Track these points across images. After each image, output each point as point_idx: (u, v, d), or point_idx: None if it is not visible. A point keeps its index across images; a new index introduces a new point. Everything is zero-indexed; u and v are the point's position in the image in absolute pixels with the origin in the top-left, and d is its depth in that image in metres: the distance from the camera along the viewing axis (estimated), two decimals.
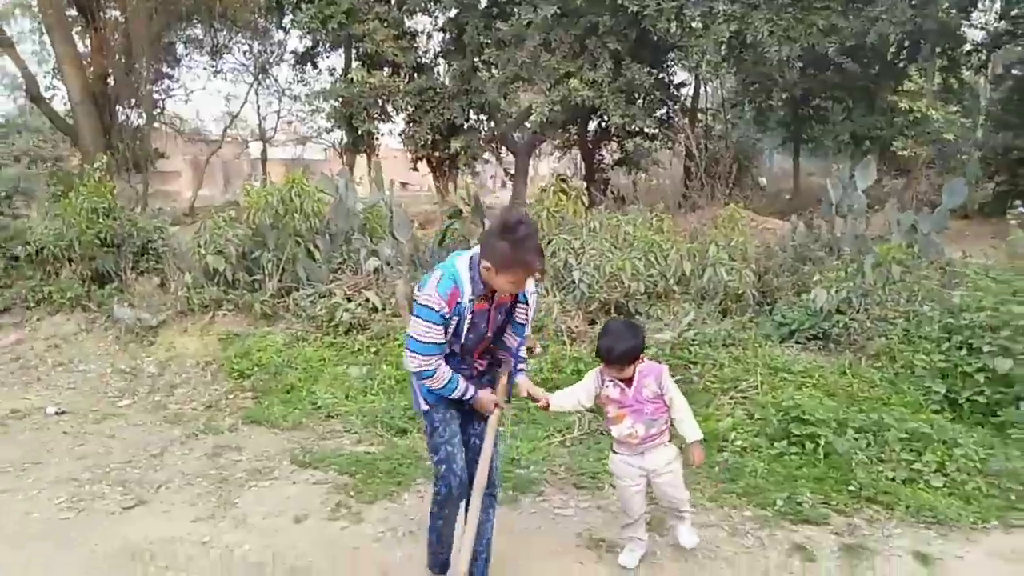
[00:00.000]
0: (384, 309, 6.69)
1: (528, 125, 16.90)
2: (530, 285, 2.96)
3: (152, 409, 5.88)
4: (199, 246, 7.22)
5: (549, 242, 7.43)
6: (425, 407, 3.02)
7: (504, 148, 18.14)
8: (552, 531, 3.77)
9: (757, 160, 21.44)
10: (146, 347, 7.01)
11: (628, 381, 3.23)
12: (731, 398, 5.33)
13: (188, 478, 4.49)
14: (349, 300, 6.74)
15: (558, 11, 12.45)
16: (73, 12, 17.33)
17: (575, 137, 16.94)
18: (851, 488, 4.05)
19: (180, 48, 19.29)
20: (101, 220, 7.72)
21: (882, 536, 3.68)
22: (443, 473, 3.00)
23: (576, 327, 6.20)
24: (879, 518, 3.85)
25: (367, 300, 6.75)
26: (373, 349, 6.32)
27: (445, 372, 2.85)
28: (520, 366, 3.16)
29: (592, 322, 6.34)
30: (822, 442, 4.41)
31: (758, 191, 18.02)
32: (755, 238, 8.05)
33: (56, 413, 5.74)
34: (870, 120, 16.23)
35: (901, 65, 16.70)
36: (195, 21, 18.04)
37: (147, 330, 7.10)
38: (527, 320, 3.04)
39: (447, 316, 2.75)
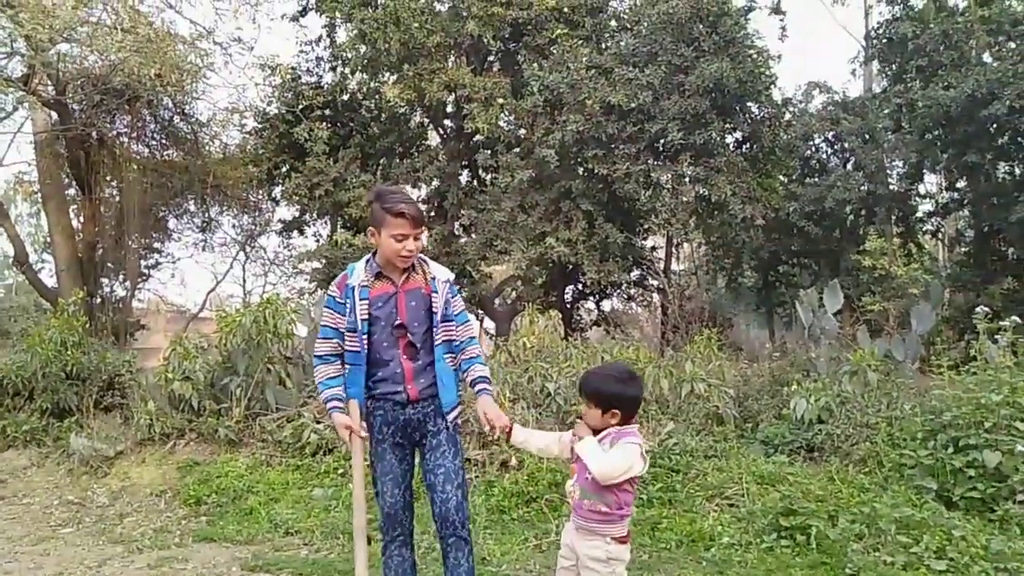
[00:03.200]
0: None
1: (508, 292, 17.33)
2: (441, 273, 3.03)
3: (96, 533, 5.43)
4: (167, 372, 7.05)
5: (526, 370, 7.37)
6: (364, 432, 2.98)
7: (484, 312, 18.44)
8: None
9: (734, 327, 21.91)
10: (99, 478, 6.61)
11: (595, 433, 2.75)
12: (716, 504, 5.06)
13: None
14: (318, 422, 6.51)
15: (533, 175, 13.20)
16: (71, 191, 18.15)
17: (553, 298, 17.31)
18: (848, 571, 3.74)
19: (172, 222, 20.01)
20: (69, 352, 7.59)
21: None
22: (379, 503, 3.05)
23: None
24: None
25: None
26: (340, 470, 6.00)
27: (325, 369, 3.01)
28: (480, 385, 2.99)
29: None
30: (814, 532, 4.13)
31: (736, 352, 18.24)
32: (732, 368, 8.04)
33: None
34: (837, 281, 16.81)
35: (860, 230, 17.62)
36: (188, 196, 18.86)
37: (102, 461, 6.73)
38: (439, 311, 2.96)
39: (339, 300, 2.98)
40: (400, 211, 2.82)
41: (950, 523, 4.16)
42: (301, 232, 17.55)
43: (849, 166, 16.94)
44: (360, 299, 2.91)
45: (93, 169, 16.79)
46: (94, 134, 15.50)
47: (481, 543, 4.46)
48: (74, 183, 17.63)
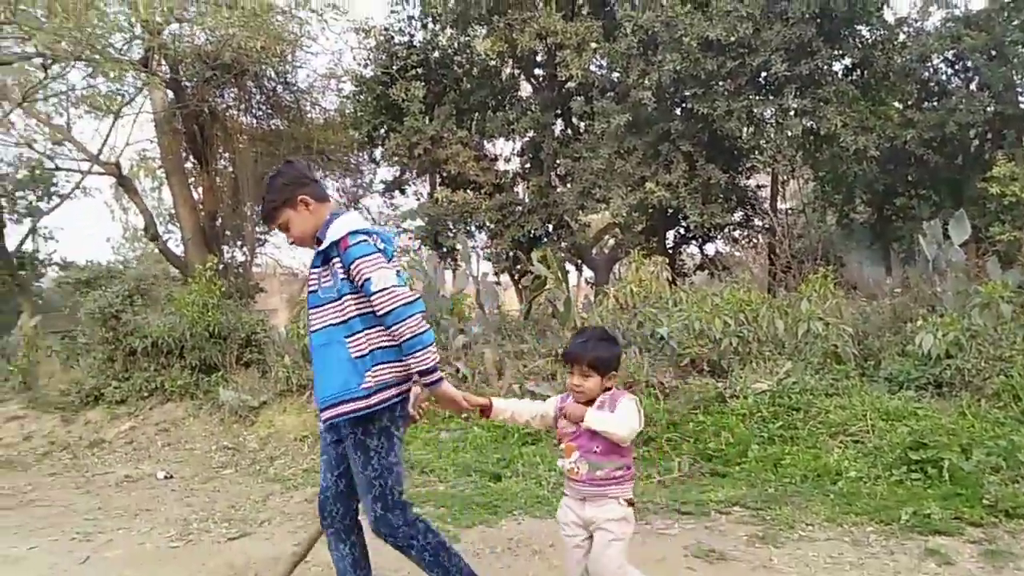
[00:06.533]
0: (474, 378, 6.76)
1: (605, 240, 17.30)
2: (328, 236, 2.56)
3: (253, 474, 6.01)
4: (298, 329, 7.57)
5: (635, 316, 7.48)
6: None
7: (582, 262, 18.51)
8: (658, 545, 3.61)
9: (846, 265, 21.04)
10: (248, 426, 7.25)
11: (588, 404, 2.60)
12: (840, 441, 5.05)
13: (289, 516, 4.54)
14: None
15: (629, 119, 13.01)
16: (188, 165, 19.30)
17: (654, 244, 17.16)
18: (985, 502, 3.71)
19: None
20: (210, 314, 8.25)
21: None
22: None
23: (667, 382, 6.08)
24: (1023, 529, 3.50)
25: (457, 370, 6.85)
26: (464, 415, 6.35)
27: None
28: (423, 380, 2.53)
29: (684, 378, 6.21)
30: (946, 465, 4.10)
31: (851, 290, 17.57)
32: (849, 306, 7.83)
33: (165, 477, 5.96)
34: (963, 211, 15.83)
35: (987, 155, 16.45)
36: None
37: (249, 411, 7.37)
38: (316, 286, 2.62)
39: None
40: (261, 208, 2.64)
41: None
42: (402, 191, 18.09)
43: (973, 86, 15.73)
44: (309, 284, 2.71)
45: (208, 142, 17.78)
46: (206, 109, 16.36)
47: None
48: (191, 157, 18.74)
